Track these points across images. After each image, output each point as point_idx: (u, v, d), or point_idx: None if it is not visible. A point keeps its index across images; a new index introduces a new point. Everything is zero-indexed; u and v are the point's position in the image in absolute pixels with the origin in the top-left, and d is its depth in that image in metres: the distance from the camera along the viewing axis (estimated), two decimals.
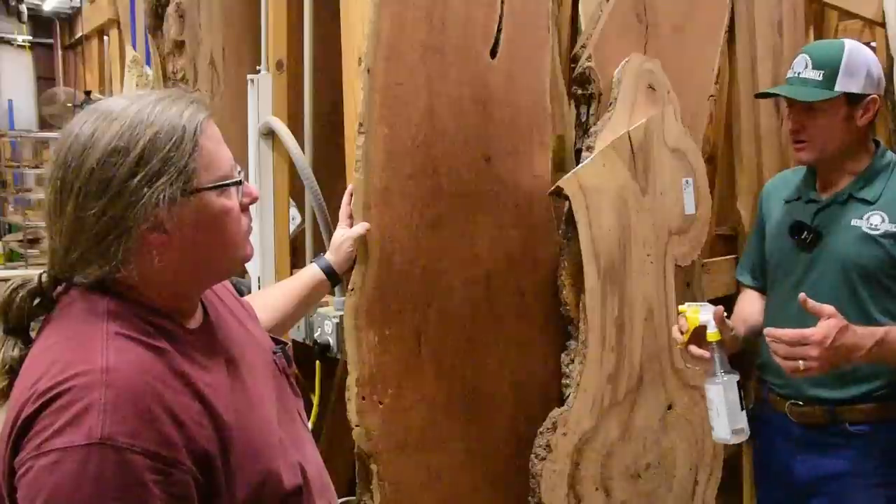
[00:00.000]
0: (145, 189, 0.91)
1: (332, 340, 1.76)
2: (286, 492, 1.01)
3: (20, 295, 0.96)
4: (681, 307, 1.66)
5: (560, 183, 1.74)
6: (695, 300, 2.05)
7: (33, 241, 6.36)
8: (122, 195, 0.90)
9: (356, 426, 1.54)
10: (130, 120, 0.93)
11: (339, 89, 1.75)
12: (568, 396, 1.77)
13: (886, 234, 1.66)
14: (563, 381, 1.80)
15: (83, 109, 0.98)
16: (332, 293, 1.78)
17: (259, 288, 1.99)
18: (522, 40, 1.72)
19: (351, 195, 1.56)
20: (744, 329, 1.83)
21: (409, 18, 1.54)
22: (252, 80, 2.00)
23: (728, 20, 2.18)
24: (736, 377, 1.56)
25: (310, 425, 1.86)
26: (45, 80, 8.87)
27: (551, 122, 1.80)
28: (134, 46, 3.93)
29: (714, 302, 1.68)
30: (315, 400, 1.94)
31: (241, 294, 1.34)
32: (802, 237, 1.74)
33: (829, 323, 1.45)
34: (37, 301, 0.96)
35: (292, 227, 2.09)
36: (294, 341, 1.92)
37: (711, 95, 2.11)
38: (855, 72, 1.67)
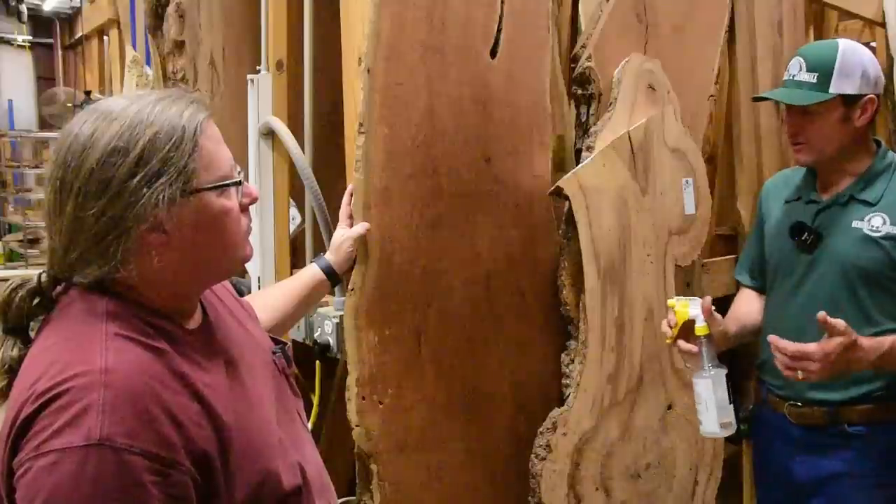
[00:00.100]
0: (145, 189, 0.91)
1: (332, 340, 1.76)
2: (285, 492, 1.00)
3: (19, 294, 0.96)
4: (669, 301, 1.66)
5: (560, 183, 1.74)
6: None
7: (33, 241, 6.36)
8: (122, 195, 0.90)
9: (356, 426, 1.54)
10: (130, 120, 0.92)
11: (339, 89, 1.75)
12: (568, 396, 1.77)
13: (888, 237, 1.64)
14: (563, 381, 1.80)
15: (83, 109, 0.98)
16: (332, 293, 1.78)
17: (259, 288, 1.99)
18: (522, 40, 1.72)
19: (351, 195, 1.56)
20: (736, 327, 1.83)
21: (409, 18, 1.54)
22: (252, 80, 2.00)
23: (728, 20, 2.18)
24: (724, 371, 1.56)
25: (310, 425, 1.86)
26: (45, 80, 8.87)
27: (551, 122, 1.79)
28: (134, 46, 3.93)
29: (714, 302, 1.68)
30: (315, 400, 1.94)
31: (241, 294, 1.33)
32: (803, 238, 1.73)
33: (834, 342, 1.46)
34: (36, 301, 0.96)
35: (292, 227, 2.09)
36: (294, 341, 1.92)
37: (711, 95, 2.11)
38: (850, 73, 1.66)
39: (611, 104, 1.84)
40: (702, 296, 2.08)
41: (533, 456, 1.73)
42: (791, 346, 1.48)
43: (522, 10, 1.71)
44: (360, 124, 1.51)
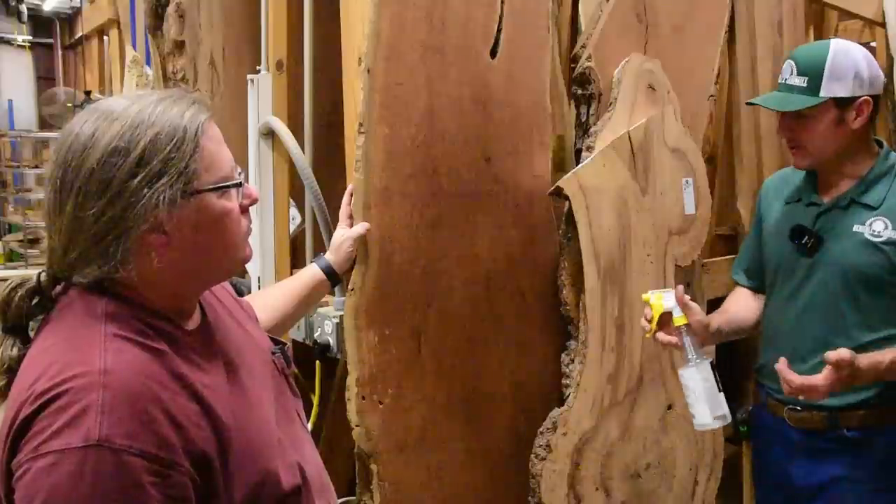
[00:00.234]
0: (145, 190, 0.90)
1: (332, 340, 1.76)
2: (285, 492, 1.00)
3: (19, 294, 0.95)
4: (644, 296, 1.63)
5: (560, 183, 1.74)
6: (695, 301, 2.05)
7: (33, 241, 6.36)
8: (122, 195, 0.90)
9: (356, 426, 1.54)
10: (131, 120, 0.92)
11: (339, 89, 1.75)
12: (568, 396, 1.77)
13: (889, 242, 1.61)
14: (563, 381, 1.80)
15: (83, 109, 0.98)
16: (332, 293, 1.78)
17: (259, 288, 1.99)
18: (522, 40, 1.72)
19: (351, 195, 1.56)
20: (722, 322, 1.79)
21: (409, 18, 1.54)
22: (252, 80, 2.00)
23: (728, 20, 2.18)
24: (709, 360, 1.54)
25: (310, 425, 1.86)
26: (45, 80, 8.88)
27: (551, 122, 1.79)
28: (134, 46, 3.93)
29: (713, 302, 1.68)
30: (315, 400, 1.94)
31: (241, 294, 1.33)
32: (803, 242, 1.70)
33: (837, 375, 1.46)
34: (35, 300, 0.96)
35: (292, 227, 2.09)
36: (294, 341, 1.92)
37: (711, 95, 2.11)
38: (841, 75, 1.62)
39: (611, 104, 1.84)
40: (702, 296, 2.09)
41: (533, 456, 1.73)
42: (797, 379, 1.48)
43: (522, 10, 1.71)
44: (360, 124, 1.51)
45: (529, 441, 1.74)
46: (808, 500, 1.73)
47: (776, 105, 1.71)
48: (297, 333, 1.89)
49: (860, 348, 1.60)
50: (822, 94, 1.63)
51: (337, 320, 1.73)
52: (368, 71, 1.51)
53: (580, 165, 1.78)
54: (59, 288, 0.97)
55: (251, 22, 2.15)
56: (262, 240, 1.98)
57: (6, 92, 8.90)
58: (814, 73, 1.63)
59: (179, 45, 2.33)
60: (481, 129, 1.66)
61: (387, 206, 1.55)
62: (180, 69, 2.34)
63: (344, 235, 1.55)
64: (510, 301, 1.74)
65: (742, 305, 1.89)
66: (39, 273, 0.97)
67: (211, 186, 0.96)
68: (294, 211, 2.10)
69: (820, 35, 2.80)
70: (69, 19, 8.37)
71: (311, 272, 1.55)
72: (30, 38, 8.94)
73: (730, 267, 2.23)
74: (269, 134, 1.98)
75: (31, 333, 0.97)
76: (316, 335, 1.81)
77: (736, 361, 2.34)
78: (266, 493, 0.98)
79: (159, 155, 0.92)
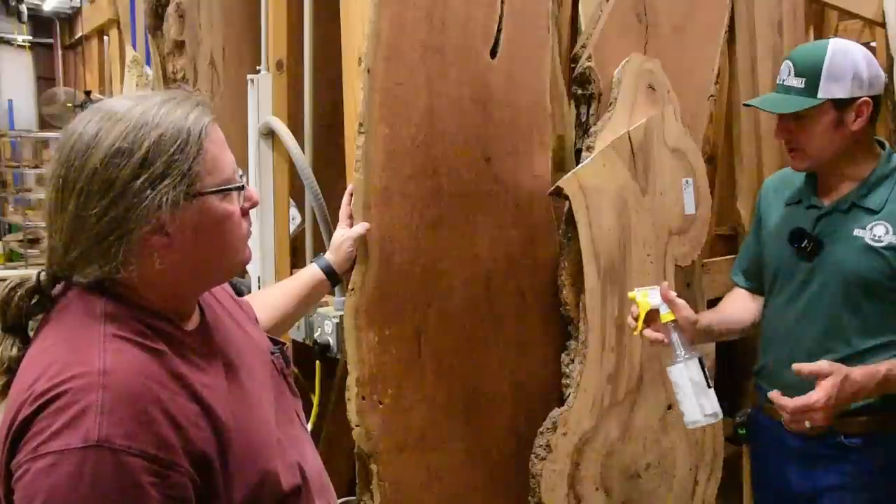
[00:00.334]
0: (148, 191, 0.91)
1: (332, 340, 1.76)
2: (284, 492, 1.00)
3: (18, 294, 0.96)
4: (630, 293, 1.62)
5: (560, 183, 1.74)
6: (695, 300, 2.05)
7: (33, 241, 6.36)
8: (125, 196, 0.90)
9: (356, 426, 1.54)
10: (135, 121, 0.92)
11: (339, 89, 1.75)
12: (568, 396, 1.77)
13: (890, 247, 1.58)
14: (563, 381, 1.80)
15: (86, 109, 0.98)
16: (332, 293, 1.78)
17: (259, 288, 1.99)
18: (522, 40, 1.72)
19: (351, 195, 1.56)
20: (712, 318, 1.77)
21: (409, 18, 1.54)
22: (252, 80, 2.00)
23: (728, 20, 2.18)
24: (697, 356, 1.52)
25: (310, 426, 1.87)
26: (45, 80, 8.87)
27: (551, 122, 1.79)
28: (134, 46, 3.93)
29: (713, 302, 1.67)
30: (315, 400, 1.94)
31: (241, 294, 1.34)
32: (802, 245, 1.68)
33: (827, 384, 1.44)
34: (35, 299, 0.96)
35: (292, 227, 2.09)
36: (294, 341, 1.92)
37: (711, 95, 2.10)
38: (839, 76, 1.59)
39: (611, 104, 1.84)
40: (702, 296, 2.09)
41: (533, 456, 1.73)
42: (791, 402, 1.45)
43: (522, 10, 1.71)
44: (360, 124, 1.51)
45: (529, 441, 1.74)
46: None
47: (773, 107, 1.68)
48: (297, 333, 1.89)
49: (859, 355, 1.60)
50: (819, 95, 1.60)
51: (337, 320, 1.73)
52: (368, 71, 1.51)
53: (580, 165, 1.78)
54: (58, 288, 0.97)
55: (251, 22, 2.15)
56: (262, 240, 1.98)
57: (6, 92, 8.90)
58: (811, 74, 1.61)
59: (179, 45, 2.33)
60: (481, 129, 1.66)
61: (387, 206, 1.55)
62: (180, 69, 2.34)
63: (344, 235, 1.55)
64: (510, 301, 1.74)
65: (737, 306, 1.88)
66: (39, 272, 0.97)
67: (213, 189, 0.96)
68: (294, 211, 2.10)
69: (820, 35, 2.80)
70: (69, 19, 8.37)
71: (311, 272, 1.55)
72: (30, 38, 8.93)
73: (730, 267, 2.23)
74: (269, 134, 1.98)
75: (31, 333, 0.97)
76: (316, 335, 1.81)
77: (735, 361, 2.35)
78: (266, 493, 0.98)
79: (163, 156, 0.92)
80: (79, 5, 7.35)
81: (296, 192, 2.05)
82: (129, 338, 0.91)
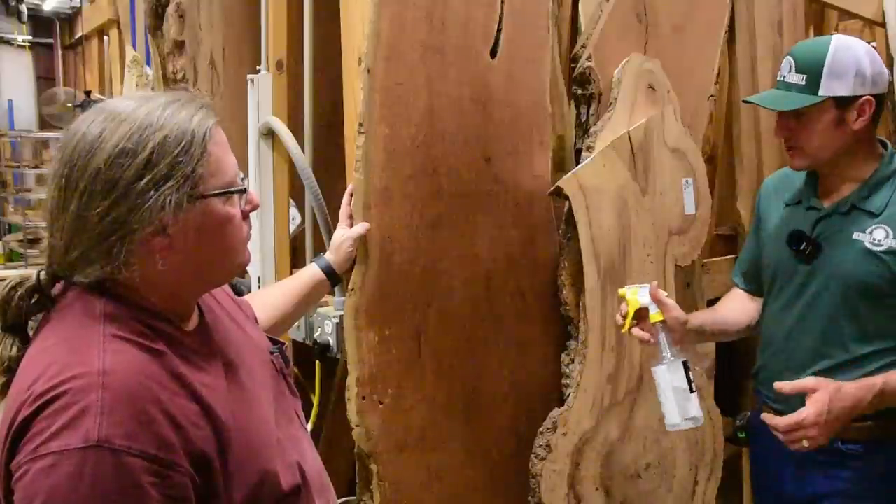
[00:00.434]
0: (151, 192, 0.91)
1: (332, 340, 1.76)
2: (284, 492, 1.01)
3: (18, 293, 0.96)
4: (620, 291, 1.60)
5: (560, 183, 1.74)
6: (695, 300, 2.05)
7: (33, 241, 6.36)
8: (128, 197, 0.90)
9: (356, 426, 1.54)
10: (140, 122, 0.92)
11: (339, 89, 1.75)
12: (568, 396, 1.77)
13: (889, 251, 1.54)
14: (563, 381, 1.80)
15: (89, 109, 0.98)
16: (332, 293, 1.78)
17: (259, 288, 1.99)
18: (522, 40, 1.72)
19: (351, 195, 1.56)
20: (704, 319, 1.74)
21: (409, 18, 1.54)
22: (252, 80, 2.00)
23: (728, 20, 2.18)
24: (682, 359, 1.50)
25: (310, 426, 1.87)
26: (45, 80, 8.87)
27: (551, 122, 1.79)
28: (134, 46, 3.93)
29: (713, 302, 1.67)
30: (315, 400, 1.94)
31: (241, 294, 1.34)
32: (801, 248, 1.64)
33: (817, 398, 1.41)
34: (35, 298, 0.96)
35: (292, 227, 2.09)
36: (294, 341, 1.92)
37: (711, 95, 2.10)
38: (842, 73, 1.54)
39: (611, 104, 1.84)
40: (702, 296, 2.09)
41: (533, 456, 1.73)
42: (782, 421, 1.42)
43: (522, 10, 1.71)
44: (360, 124, 1.51)
45: (529, 441, 1.74)
46: None
47: (772, 104, 1.65)
48: (297, 333, 1.89)
49: (857, 360, 1.57)
50: (820, 92, 1.55)
51: (337, 320, 1.73)
52: (368, 71, 1.51)
53: (580, 165, 1.78)
54: (58, 288, 0.97)
55: (251, 22, 2.15)
56: (262, 240, 1.98)
57: (6, 92, 8.90)
58: (812, 71, 1.56)
59: (179, 45, 2.33)
60: (481, 129, 1.66)
61: (387, 206, 1.55)
62: (180, 69, 2.34)
63: (344, 235, 1.55)
64: (510, 301, 1.74)
65: (733, 307, 1.85)
66: (39, 271, 0.97)
67: (216, 191, 0.97)
68: (294, 211, 2.10)
69: (820, 35, 2.80)
70: (69, 19, 8.37)
71: (311, 272, 1.55)
72: (30, 38, 8.93)
73: (730, 267, 2.23)
74: (269, 134, 1.98)
75: (30, 333, 0.97)
76: (316, 335, 1.81)
77: (736, 361, 2.34)
78: (266, 493, 0.98)
79: (167, 158, 0.92)
80: (79, 5, 7.35)
81: (296, 192, 2.05)
82: (129, 338, 0.91)
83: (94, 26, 6.21)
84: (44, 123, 8.00)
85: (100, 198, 0.90)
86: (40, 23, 8.73)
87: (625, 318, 1.57)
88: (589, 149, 1.81)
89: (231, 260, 1.03)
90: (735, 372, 2.35)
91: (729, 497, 2.31)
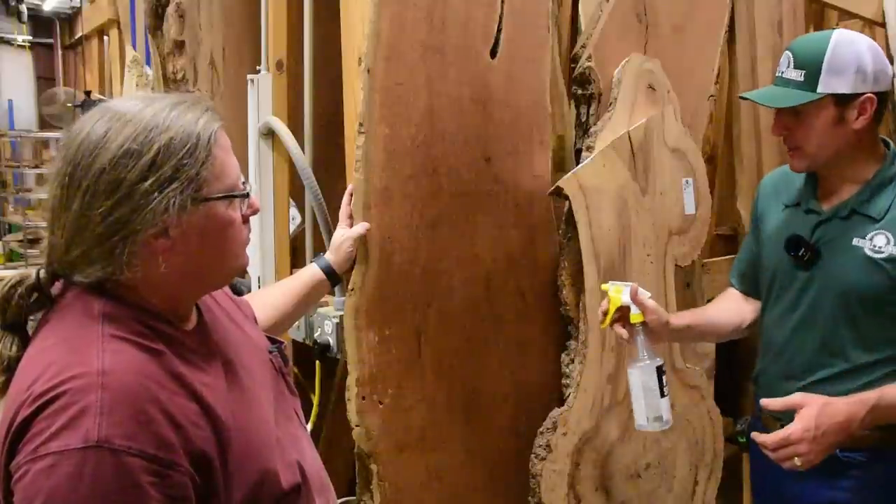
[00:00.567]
0: (155, 193, 0.91)
1: (332, 340, 1.76)
2: (284, 491, 1.01)
3: (18, 291, 0.95)
4: (603, 286, 1.57)
5: (560, 183, 1.74)
6: (694, 300, 2.05)
7: (33, 241, 6.36)
8: (131, 198, 0.90)
9: (356, 426, 1.54)
10: (145, 123, 0.92)
11: (339, 89, 1.75)
12: (568, 396, 1.77)
13: (890, 258, 1.47)
14: (563, 381, 1.80)
15: (92, 109, 0.98)
16: (332, 293, 1.78)
17: (259, 288, 1.99)
18: (522, 40, 1.72)
19: (351, 195, 1.56)
20: (692, 318, 1.70)
21: (409, 18, 1.54)
22: (252, 80, 2.00)
23: (728, 20, 2.18)
24: (656, 363, 1.48)
25: (309, 426, 1.87)
26: (45, 80, 8.87)
27: (551, 122, 1.79)
28: (134, 46, 3.93)
29: None
30: (315, 400, 1.94)
31: (241, 293, 1.34)
32: (800, 254, 1.57)
33: (804, 413, 1.38)
34: (34, 297, 0.96)
35: (292, 227, 2.09)
36: (294, 341, 1.92)
37: (711, 95, 2.10)
38: (842, 69, 1.47)
39: (611, 104, 1.84)
40: (702, 296, 2.09)
41: (533, 456, 1.73)
42: (769, 438, 1.39)
43: (522, 10, 1.71)
44: (360, 124, 1.51)
45: (529, 441, 1.74)
46: None
47: (770, 101, 1.58)
48: (297, 333, 1.89)
49: (856, 370, 1.53)
50: (819, 89, 1.48)
51: (337, 320, 1.73)
52: (368, 71, 1.51)
53: (580, 165, 1.78)
54: (57, 287, 0.97)
55: (251, 22, 2.15)
56: (262, 240, 1.98)
57: (6, 92, 8.89)
58: (811, 67, 1.49)
59: (179, 45, 2.33)
60: (481, 129, 1.66)
61: (387, 206, 1.55)
62: (180, 69, 2.34)
63: (344, 235, 1.55)
64: (510, 301, 1.74)
65: (725, 307, 1.80)
66: (38, 270, 0.97)
67: (220, 195, 0.97)
68: (294, 211, 2.10)
69: None
70: (69, 19, 8.37)
71: (311, 272, 1.55)
72: (30, 38, 8.93)
73: (729, 267, 2.22)
74: (269, 134, 1.98)
75: (29, 333, 0.97)
76: (316, 335, 1.81)
77: (736, 362, 2.34)
78: (266, 492, 0.98)
79: (172, 160, 0.92)
80: (79, 5, 7.35)
81: (296, 192, 2.05)
82: (128, 338, 0.91)
83: (94, 26, 6.21)
84: (44, 123, 8.00)
85: (103, 198, 0.90)
86: (40, 23, 8.72)
87: (605, 314, 1.55)
88: (589, 149, 1.81)
89: (230, 263, 1.03)
90: (735, 372, 2.34)
91: (729, 497, 2.31)
